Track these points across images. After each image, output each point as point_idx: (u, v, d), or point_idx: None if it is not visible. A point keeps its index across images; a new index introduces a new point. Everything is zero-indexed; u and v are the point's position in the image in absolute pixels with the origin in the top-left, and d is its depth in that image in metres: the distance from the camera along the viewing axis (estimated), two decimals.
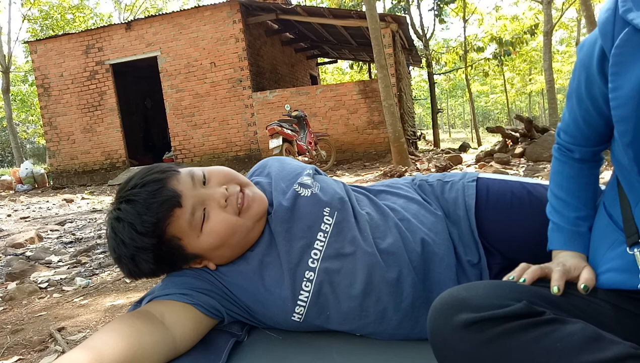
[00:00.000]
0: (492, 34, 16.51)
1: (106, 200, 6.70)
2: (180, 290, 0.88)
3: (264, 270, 0.91)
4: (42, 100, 10.77)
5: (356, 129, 9.36)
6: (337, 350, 0.88)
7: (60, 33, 15.11)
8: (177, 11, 9.89)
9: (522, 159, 6.14)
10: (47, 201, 7.26)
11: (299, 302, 0.88)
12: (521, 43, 14.77)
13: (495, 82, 30.94)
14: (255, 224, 0.92)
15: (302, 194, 0.95)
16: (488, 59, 16.95)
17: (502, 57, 15.33)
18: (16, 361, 1.50)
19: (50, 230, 4.15)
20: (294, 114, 7.54)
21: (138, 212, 0.83)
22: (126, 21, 10.70)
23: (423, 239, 0.91)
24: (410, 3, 14.76)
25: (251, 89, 9.55)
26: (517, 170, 5.21)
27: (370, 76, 15.20)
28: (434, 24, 15.61)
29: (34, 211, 6.03)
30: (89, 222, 4.53)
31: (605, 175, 3.01)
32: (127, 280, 2.31)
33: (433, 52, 16.56)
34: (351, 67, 18.04)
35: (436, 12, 14.63)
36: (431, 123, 15.67)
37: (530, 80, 29.69)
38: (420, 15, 15.66)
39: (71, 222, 4.60)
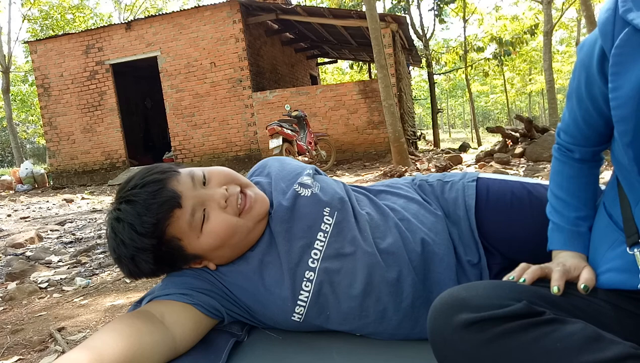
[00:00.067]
0: (492, 34, 16.51)
1: (106, 200, 6.70)
2: (180, 290, 0.88)
3: (264, 270, 0.91)
4: (42, 100, 10.77)
5: (356, 129, 9.36)
6: (337, 350, 0.88)
7: (60, 33, 15.12)
8: (177, 11, 9.89)
9: (522, 159, 6.14)
10: (47, 201, 7.26)
11: (299, 302, 0.88)
12: (521, 43, 14.77)
13: (495, 82, 30.94)
14: (256, 225, 0.92)
15: (302, 194, 0.95)
16: (488, 59, 16.95)
17: (502, 57, 15.33)
18: (16, 361, 1.50)
19: (50, 230, 4.15)
20: (294, 114, 7.55)
21: (138, 213, 0.83)
22: (126, 21, 10.71)
23: (423, 239, 0.91)
24: (410, 3, 14.76)
25: (251, 89, 9.55)
26: (517, 170, 5.21)
27: (370, 76, 15.20)
28: (434, 24, 15.62)
29: (34, 211, 6.03)
30: (89, 222, 4.53)
31: (605, 175, 3.01)
32: (127, 280, 2.31)
33: (433, 52, 16.56)
34: (351, 67, 18.04)
35: (436, 12, 14.63)
36: (431, 123, 15.67)
37: (530, 80, 29.69)
38: (420, 15, 15.66)
39: (71, 222, 4.61)
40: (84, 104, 10.50)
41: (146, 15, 16.13)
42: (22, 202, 7.51)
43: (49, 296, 2.21)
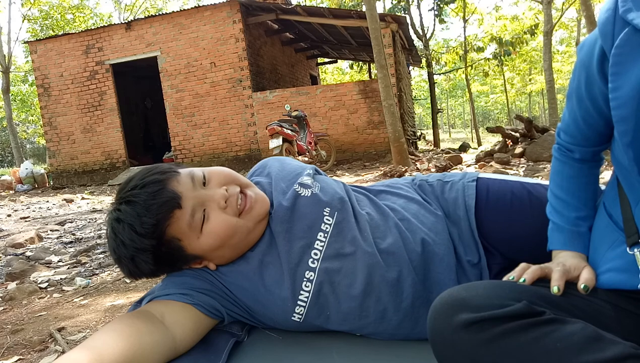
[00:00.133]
0: (492, 34, 16.51)
1: (106, 200, 6.70)
2: (180, 290, 0.88)
3: (264, 270, 0.91)
4: (42, 100, 10.77)
5: (356, 129, 9.36)
6: (337, 350, 0.88)
7: (60, 33, 15.12)
8: (177, 11, 9.89)
9: (522, 159, 6.14)
10: (47, 201, 7.26)
11: (299, 302, 0.88)
12: (521, 43, 14.77)
13: (495, 82, 30.94)
14: (256, 225, 0.92)
15: (302, 194, 0.95)
16: (488, 59, 16.95)
17: (502, 57, 15.33)
18: (16, 361, 1.50)
19: (50, 230, 4.15)
20: (294, 114, 7.55)
21: (138, 214, 0.83)
22: (126, 21, 10.71)
23: (423, 239, 0.91)
24: (410, 3, 14.76)
25: (251, 89, 9.55)
26: (517, 170, 5.21)
27: (370, 76, 15.20)
28: (434, 24, 15.62)
29: (34, 211, 6.03)
30: (89, 222, 4.53)
31: (605, 175, 3.01)
32: (127, 280, 2.31)
33: (433, 52, 16.56)
34: (351, 67, 18.04)
35: (436, 12, 14.63)
36: (431, 123, 15.67)
37: (530, 80, 29.69)
38: (420, 15, 15.66)
39: (71, 222, 4.61)
40: (84, 104, 10.50)
41: (146, 15, 16.13)
42: (22, 202, 7.51)
43: (49, 296, 2.21)
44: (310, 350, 0.88)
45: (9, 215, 5.67)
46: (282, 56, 11.76)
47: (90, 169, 10.69)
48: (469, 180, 1.02)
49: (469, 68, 17.09)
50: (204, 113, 9.88)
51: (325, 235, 0.91)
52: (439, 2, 14.38)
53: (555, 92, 13.08)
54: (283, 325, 0.93)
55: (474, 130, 21.34)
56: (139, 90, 12.93)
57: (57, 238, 3.78)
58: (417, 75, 29.41)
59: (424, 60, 14.96)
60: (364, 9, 8.07)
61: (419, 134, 13.52)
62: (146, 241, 0.84)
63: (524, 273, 0.73)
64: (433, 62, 15.49)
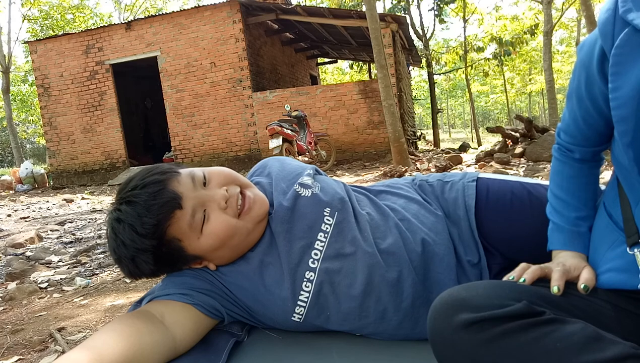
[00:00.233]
0: (492, 34, 16.51)
1: (106, 200, 6.70)
2: (180, 290, 0.88)
3: (264, 270, 0.91)
4: (42, 100, 10.77)
5: (356, 129, 9.36)
6: (337, 350, 0.88)
7: (60, 33, 15.12)
8: (177, 11, 9.89)
9: (522, 159, 6.14)
10: (47, 201, 7.26)
11: (299, 302, 0.88)
12: (521, 43, 14.77)
13: (495, 82, 30.94)
14: (255, 226, 0.92)
15: (303, 194, 0.95)
16: (488, 59, 16.95)
17: (502, 57, 15.33)
18: (16, 361, 1.50)
19: (50, 230, 4.15)
20: (294, 114, 7.55)
21: (138, 214, 0.83)
22: (126, 21, 10.71)
23: (423, 239, 0.91)
24: (410, 3, 14.76)
25: (251, 89, 9.55)
26: (517, 170, 5.21)
27: (370, 76, 15.20)
28: (434, 24, 15.62)
29: (34, 211, 6.03)
30: (89, 222, 4.53)
31: (605, 175, 3.01)
32: (127, 280, 2.31)
33: (433, 52, 16.56)
34: (351, 67, 18.04)
35: (436, 12, 14.63)
36: (431, 123, 15.67)
37: (530, 80, 29.69)
38: (420, 15, 15.66)
39: (71, 222, 4.61)
40: (84, 104, 10.50)
41: (146, 15, 16.13)
42: (22, 202, 7.51)
43: (49, 296, 2.21)
44: (310, 350, 0.88)
45: (9, 215, 5.67)
46: (282, 56, 11.76)
47: (90, 169, 10.69)
48: (469, 180, 1.02)
49: (469, 68, 17.09)
50: (204, 113, 9.88)
51: (326, 235, 0.91)
52: (439, 2, 14.38)
53: (555, 92, 13.08)
54: (283, 325, 0.93)
55: (474, 130, 21.34)
56: (139, 90, 12.93)
57: (57, 238, 3.78)
58: (417, 75, 29.43)
59: (424, 60, 14.96)
60: (364, 9, 8.07)
61: (419, 134, 13.52)
62: (147, 241, 0.84)
63: (524, 273, 0.73)
64: (433, 62, 15.49)
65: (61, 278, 2.48)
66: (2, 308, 2.10)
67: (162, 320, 0.82)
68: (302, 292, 0.88)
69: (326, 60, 15.82)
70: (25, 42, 12.80)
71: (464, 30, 16.22)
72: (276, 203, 0.95)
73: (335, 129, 9.39)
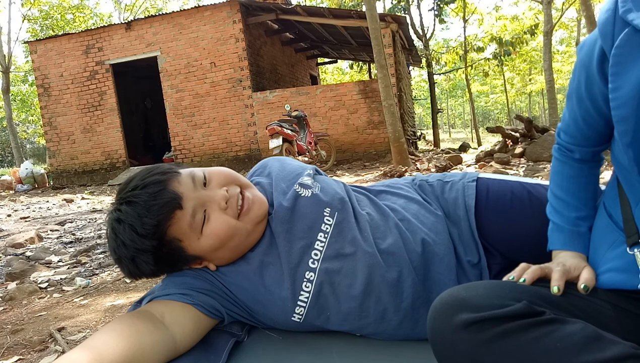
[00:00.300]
0: (492, 34, 16.51)
1: (106, 200, 6.70)
2: (180, 290, 0.88)
3: (264, 270, 0.91)
4: (42, 100, 10.77)
5: (356, 129, 9.36)
6: (337, 350, 0.88)
7: (60, 33, 15.12)
8: (177, 11, 9.89)
9: (522, 159, 6.14)
10: (47, 201, 7.26)
11: (299, 303, 0.88)
12: (521, 43, 14.77)
13: (495, 82, 30.93)
14: (255, 227, 0.92)
15: (303, 194, 0.95)
16: (488, 59, 16.94)
17: (502, 57, 15.33)
18: (16, 361, 1.50)
19: (50, 230, 4.15)
20: (294, 114, 7.55)
21: (139, 214, 0.83)
22: (126, 21, 10.71)
23: (423, 239, 0.91)
24: (410, 3, 14.76)
25: (251, 89, 9.55)
26: (517, 170, 5.21)
27: (370, 76, 15.20)
28: (434, 24, 15.61)
29: (34, 211, 6.03)
30: (89, 222, 4.53)
31: (605, 175, 3.01)
32: (127, 280, 2.31)
33: (433, 52, 16.56)
34: (351, 67, 18.04)
35: (436, 12, 14.63)
36: (431, 123, 15.67)
37: (530, 80, 29.69)
38: (420, 15, 15.66)
39: (71, 222, 4.61)
40: (84, 104, 10.50)
41: (146, 15, 16.13)
42: (22, 202, 7.51)
43: (49, 296, 2.21)
44: (310, 350, 0.88)
45: (9, 215, 5.67)
46: (282, 56, 11.76)
47: (90, 169, 10.69)
48: (469, 180, 1.02)
49: (469, 68, 17.09)
50: (204, 113, 9.88)
51: (326, 235, 0.91)
52: (439, 2, 14.38)
53: (555, 92, 13.08)
54: (283, 326, 0.93)
55: (474, 130, 21.34)
56: (139, 90, 12.93)
57: (57, 238, 3.78)
58: (417, 75, 29.43)
59: (424, 60, 14.96)
60: (364, 9, 8.07)
61: (419, 134, 13.52)
62: (147, 242, 0.84)
63: (524, 273, 0.73)
64: (433, 62, 15.49)
65: (61, 278, 2.48)
66: (2, 308, 2.10)
67: (162, 320, 0.82)
68: (302, 292, 0.88)
69: (326, 60, 15.82)
70: (25, 42, 12.80)
71: (464, 30, 16.22)
72: (276, 204, 0.95)
73: (335, 129, 9.39)
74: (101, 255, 2.96)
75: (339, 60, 16.46)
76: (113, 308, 1.92)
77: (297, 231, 0.91)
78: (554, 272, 0.73)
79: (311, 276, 0.88)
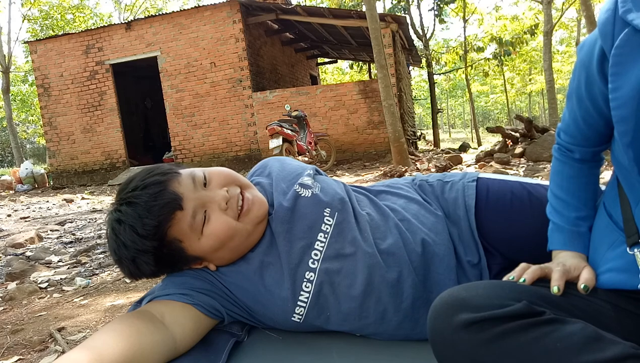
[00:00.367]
0: (492, 34, 16.51)
1: (106, 200, 6.70)
2: (180, 290, 0.88)
3: (265, 271, 0.91)
4: (42, 100, 10.77)
5: (356, 129, 9.36)
6: (337, 350, 0.88)
7: (60, 33, 15.11)
8: (177, 11, 9.89)
9: (522, 159, 6.14)
10: (47, 201, 7.26)
11: (299, 303, 0.88)
12: (521, 43, 14.77)
13: (495, 82, 30.93)
14: (255, 227, 0.92)
15: (303, 195, 0.95)
16: (488, 59, 16.94)
17: (502, 57, 15.33)
18: (16, 361, 1.50)
19: (50, 230, 4.15)
20: (294, 114, 7.55)
21: (139, 215, 0.83)
22: (126, 21, 10.71)
23: (423, 240, 0.91)
24: (410, 3, 14.76)
25: (251, 89, 9.56)
26: (517, 170, 5.21)
27: (370, 76, 15.20)
28: (434, 24, 15.61)
29: (34, 211, 6.03)
30: (89, 222, 4.53)
31: (605, 175, 3.01)
32: (127, 280, 2.31)
33: (433, 52, 16.56)
34: (351, 67, 18.04)
35: (436, 12, 14.63)
36: (431, 123, 15.67)
37: (530, 80, 29.69)
38: (420, 15, 15.66)
39: (71, 222, 4.61)
40: (84, 104, 10.50)
41: (146, 15, 16.13)
42: (22, 202, 7.51)
43: (49, 296, 2.21)
44: (310, 350, 0.88)
45: (9, 215, 5.67)
46: (282, 56, 11.76)
47: (90, 169, 10.69)
48: (469, 180, 1.02)
49: (469, 68, 17.09)
50: (204, 113, 9.88)
51: (326, 235, 0.91)
52: (439, 2, 14.38)
53: (555, 92, 13.08)
54: (283, 326, 0.93)
55: (474, 130, 21.33)
56: (139, 90, 12.93)
57: (57, 238, 3.78)
58: (417, 75, 29.43)
59: (424, 60, 14.96)
60: (364, 9, 8.07)
61: (419, 134, 13.52)
62: (147, 243, 0.84)
63: (524, 273, 0.73)
64: (433, 62, 15.49)
65: (61, 278, 2.48)
66: (2, 308, 2.10)
67: (162, 320, 0.82)
68: (302, 293, 0.88)
69: (326, 60, 15.82)
70: (25, 42, 12.80)
71: (464, 30, 16.22)
72: (276, 204, 0.95)
73: (335, 129, 9.39)
74: (101, 255, 2.96)
75: (339, 60, 16.46)
76: (113, 308, 1.92)
77: (297, 231, 0.91)
78: (554, 272, 0.73)
79: (311, 276, 0.88)
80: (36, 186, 10.70)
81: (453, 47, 17.41)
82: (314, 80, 14.74)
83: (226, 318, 0.92)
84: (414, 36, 13.58)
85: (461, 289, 0.68)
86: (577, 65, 0.74)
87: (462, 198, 0.99)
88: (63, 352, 1.49)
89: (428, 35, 15.47)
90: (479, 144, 16.35)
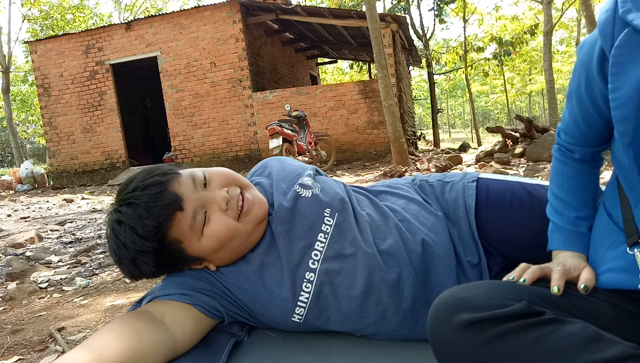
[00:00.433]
0: (492, 34, 16.51)
1: (106, 200, 6.70)
2: (180, 291, 0.88)
3: (265, 271, 0.91)
4: (42, 100, 10.77)
5: (356, 129, 9.36)
6: (337, 351, 0.88)
7: (60, 33, 15.11)
8: (177, 11, 9.89)
9: (522, 159, 6.14)
10: (47, 201, 7.26)
11: (299, 303, 0.88)
12: (521, 43, 14.77)
13: (495, 82, 30.93)
14: (255, 228, 0.92)
15: (303, 195, 0.95)
16: (488, 59, 16.94)
17: (502, 57, 15.33)
18: (16, 361, 1.50)
19: (50, 230, 4.15)
20: (294, 114, 7.55)
21: (139, 216, 0.83)
22: (126, 21, 10.71)
23: (423, 240, 0.91)
24: (410, 3, 14.76)
25: (251, 89, 9.56)
26: (517, 170, 5.21)
27: (370, 76, 15.20)
28: (434, 24, 15.61)
29: (34, 211, 6.03)
30: (89, 222, 4.53)
31: (605, 175, 3.01)
32: (127, 281, 2.31)
33: (433, 52, 16.56)
34: (351, 67, 18.04)
35: (436, 12, 14.63)
36: (431, 123, 15.67)
37: (530, 80, 29.69)
38: (420, 15, 15.66)
39: (71, 222, 4.60)
40: (84, 104, 10.50)
41: (146, 15, 16.13)
42: (22, 202, 7.51)
43: (49, 296, 2.21)
44: (310, 350, 0.88)
45: (9, 215, 5.67)
46: (282, 56, 11.76)
47: (90, 169, 10.69)
48: (469, 180, 1.02)
49: (469, 68, 17.09)
50: (204, 113, 9.88)
51: (326, 236, 0.91)
52: (439, 2, 14.38)
53: (555, 92, 13.08)
54: (283, 326, 0.93)
55: (474, 130, 21.33)
56: (139, 90, 12.93)
57: (57, 238, 3.78)
58: (417, 75, 29.43)
59: (424, 60, 14.96)
60: (364, 9, 8.07)
61: (419, 134, 13.52)
62: (148, 243, 0.84)
63: (524, 273, 0.73)
64: (433, 62, 15.49)
65: (61, 278, 2.48)
66: (2, 308, 2.10)
67: (162, 320, 0.82)
68: (302, 293, 0.88)
69: (326, 60, 15.82)
70: (25, 42, 12.80)
71: (464, 30, 16.22)
72: (276, 204, 0.95)
73: (335, 129, 9.39)
74: (101, 255, 2.96)
75: (339, 60, 16.46)
76: (113, 308, 1.92)
77: (298, 231, 0.91)
78: (554, 272, 0.73)
79: (311, 276, 0.88)
80: (36, 186, 10.70)
81: (453, 47, 17.42)
82: (314, 80, 14.74)
83: (226, 319, 0.92)
84: (414, 36, 13.58)
85: (461, 289, 0.68)
86: (577, 65, 0.74)
87: (462, 198, 0.99)
88: (63, 352, 1.49)
89: (428, 35, 15.47)
90: (479, 144, 16.35)
